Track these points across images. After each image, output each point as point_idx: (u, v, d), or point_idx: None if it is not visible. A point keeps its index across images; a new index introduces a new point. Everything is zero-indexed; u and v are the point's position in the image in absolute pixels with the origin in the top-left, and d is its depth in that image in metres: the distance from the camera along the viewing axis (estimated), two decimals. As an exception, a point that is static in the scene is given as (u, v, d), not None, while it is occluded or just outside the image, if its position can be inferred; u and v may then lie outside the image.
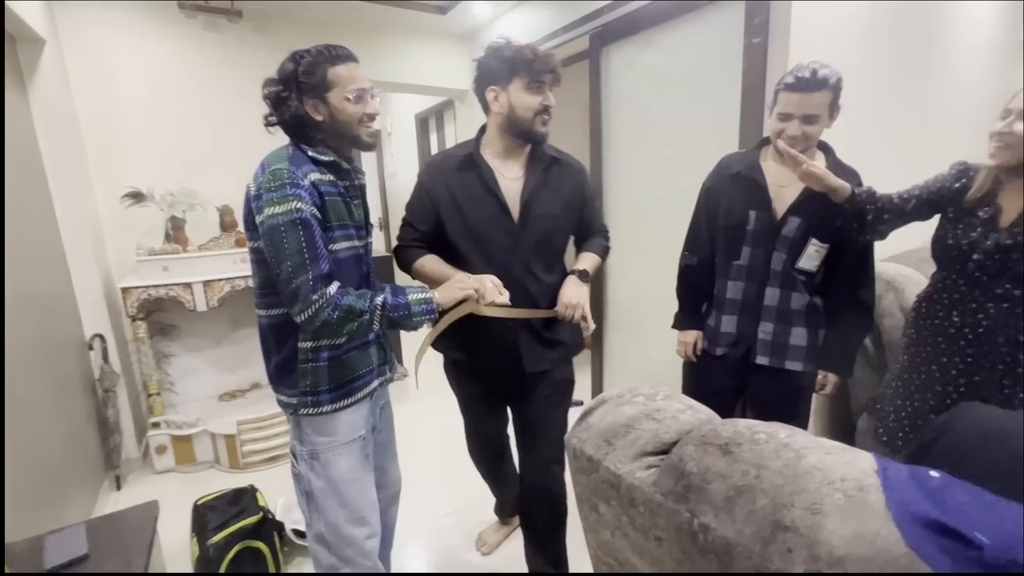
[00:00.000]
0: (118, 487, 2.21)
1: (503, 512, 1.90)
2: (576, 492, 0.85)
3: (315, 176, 1.04)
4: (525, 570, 1.60)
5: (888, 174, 1.50)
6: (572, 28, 2.30)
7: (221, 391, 2.68)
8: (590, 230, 1.49)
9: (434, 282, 1.27)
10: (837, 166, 1.34)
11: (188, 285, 2.25)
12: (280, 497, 2.01)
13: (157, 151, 2.42)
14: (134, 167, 2.36)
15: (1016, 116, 1.06)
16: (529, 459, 1.50)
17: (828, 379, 1.42)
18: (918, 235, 1.45)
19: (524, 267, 1.33)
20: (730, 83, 1.67)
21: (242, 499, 1.76)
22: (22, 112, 1.91)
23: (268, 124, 1.11)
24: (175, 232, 2.34)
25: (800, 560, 0.51)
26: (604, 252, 1.49)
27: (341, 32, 2.82)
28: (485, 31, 3.03)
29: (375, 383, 1.21)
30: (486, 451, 1.72)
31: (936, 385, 1.26)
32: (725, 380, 1.54)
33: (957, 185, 1.24)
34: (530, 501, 1.52)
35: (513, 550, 1.85)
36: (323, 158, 1.07)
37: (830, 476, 0.55)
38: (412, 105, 4.26)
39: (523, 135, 1.31)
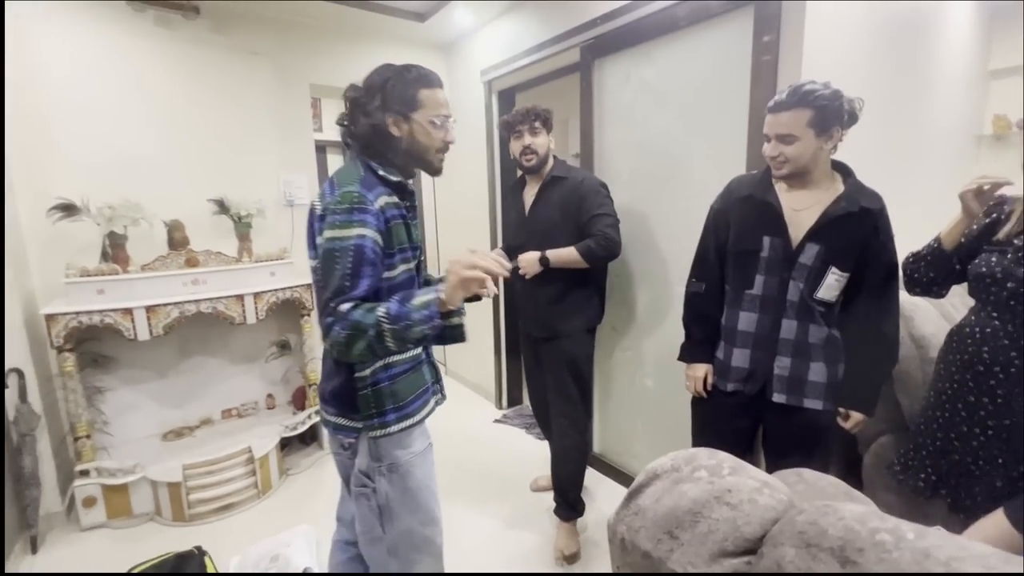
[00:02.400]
0: (34, 550, 1.87)
1: None
2: (620, 588, 0.68)
3: (385, 200, 1.04)
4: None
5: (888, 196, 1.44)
6: (561, 40, 2.19)
7: (165, 429, 2.36)
8: (586, 233, 1.75)
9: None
10: (858, 189, 1.25)
11: (128, 311, 1.96)
12: (234, 557, 1.75)
13: (94, 158, 2.13)
14: (66, 175, 2.06)
15: None
16: (553, 421, 1.91)
17: (852, 416, 1.32)
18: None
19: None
20: (736, 101, 1.58)
21: (186, 565, 1.50)
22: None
23: (346, 136, 1.11)
24: (114, 250, 2.05)
25: None
26: (584, 249, 1.72)
27: (309, 35, 2.62)
28: (466, 41, 2.89)
29: (432, 401, 1.22)
30: (536, 411, 2.13)
31: (962, 426, 1.18)
32: (738, 419, 1.42)
33: (988, 220, 1.18)
34: (553, 459, 1.91)
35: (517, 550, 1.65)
36: (392, 178, 1.08)
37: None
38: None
39: (520, 168, 1.88)
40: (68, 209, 1.96)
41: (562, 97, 2.83)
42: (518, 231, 1.92)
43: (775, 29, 1.46)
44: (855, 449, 1.80)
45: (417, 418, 1.15)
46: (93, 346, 2.15)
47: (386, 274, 1.05)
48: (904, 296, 1.70)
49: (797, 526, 0.55)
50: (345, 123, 1.11)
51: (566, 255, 1.74)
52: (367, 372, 1.08)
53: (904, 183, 1.91)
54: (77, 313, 1.89)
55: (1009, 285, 1.07)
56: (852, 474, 1.80)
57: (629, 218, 2.05)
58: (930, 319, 1.61)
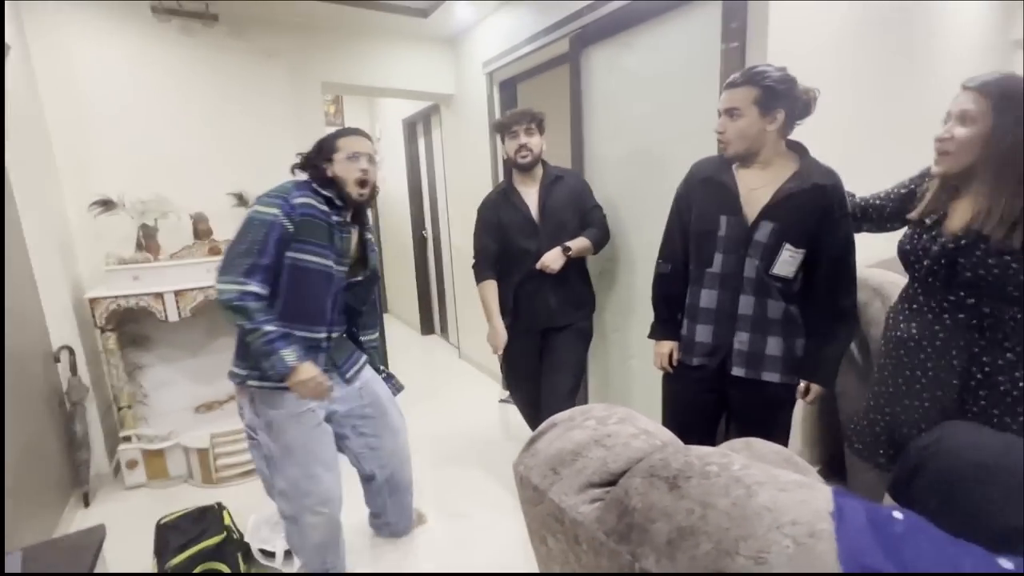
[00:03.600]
0: (86, 504, 2.14)
1: None
2: (527, 523, 0.79)
3: (303, 200, 1.40)
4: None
5: (870, 177, 1.45)
6: (553, 30, 2.25)
7: (197, 403, 2.61)
8: (588, 223, 1.94)
9: (483, 304, 1.98)
10: (811, 167, 1.29)
11: (159, 295, 2.18)
12: (252, 515, 1.94)
13: (129, 158, 2.36)
14: (106, 175, 2.30)
15: (955, 120, 1.01)
16: (548, 388, 1.93)
17: (812, 388, 1.37)
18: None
19: (545, 252, 1.86)
20: (709, 85, 1.61)
21: (206, 517, 1.70)
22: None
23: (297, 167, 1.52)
24: (147, 241, 2.28)
25: (740, 616, 0.46)
26: (594, 236, 1.92)
27: (321, 36, 2.77)
28: (468, 35, 2.98)
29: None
30: (526, 395, 2.10)
31: (903, 399, 1.22)
32: (703, 392, 1.49)
33: (916, 189, 1.21)
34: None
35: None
36: (323, 192, 1.45)
37: (780, 519, 0.49)
38: (399, 110, 4.22)
39: (516, 167, 1.92)
40: (106, 204, 2.20)
41: (561, 86, 2.88)
42: (529, 234, 1.90)
43: (742, 16, 1.49)
44: (838, 429, 1.82)
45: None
46: (132, 327, 2.40)
47: (295, 254, 1.39)
48: (883, 275, 1.71)
49: (651, 462, 0.64)
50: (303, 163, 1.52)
51: (582, 245, 1.89)
52: None
53: (900, 168, 1.89)
54: (116, 297, 2.12)
55: (925, 263, 1.10)
56: (836, 453, 1.83)
57: (615, 202, 2.11)
58: (906, 297, 1.61)
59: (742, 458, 0.62)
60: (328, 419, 1.56)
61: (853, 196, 1.40)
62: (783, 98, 1.23)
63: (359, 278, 1.59)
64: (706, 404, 1.50)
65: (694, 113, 1.71)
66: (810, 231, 1.29)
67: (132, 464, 2.25)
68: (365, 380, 1.66)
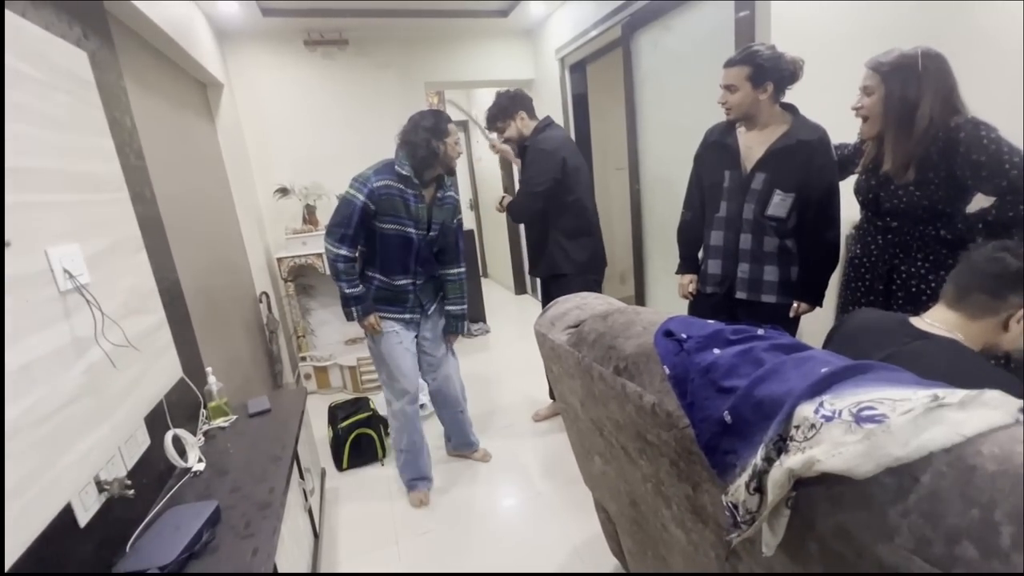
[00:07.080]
0: (281, 400, 3.10)
1: None
2: (543, 359, 1.31)
3: (382, 182, 1.73)
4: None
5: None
6: (609, 18, 2.61)
7: (346, 338, 3.49)
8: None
9: None
10: (800, 125, 1.57)
11: (319, 255, 3.02)
12: (382, 409, 2.71)
13: (296, 155, 3.23)
14: (282, 169, 3.19)
15: (862, 92, 1.27)
16: None
17: (801, 307, 1.67)
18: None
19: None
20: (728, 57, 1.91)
21: (359, 402, 2.47)
22: (213, 138, 2.78)
23: (400, 142, 1.80)
24: (309, 215, 3.13)
25: (612, 360, 0.93)
26: (509, 203, 2.21)
27: (424, 46, 3.40)
28: (542, 26, 3.41)
29: (406, 315, 1.93)
30: None
31: (850, 305, 1.53)
32: (717, 315, 1.84)
33: (862, 145, 1.47)
34: None
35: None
36: (403, 172, 1.74)
37: (645, 322, 0.96)
38: (491, 97, 4.77)
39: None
40: (283, 191, 3.07)
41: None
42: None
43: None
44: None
45: (386, 315, 1.89)
46: (303, 279, 3.31)
47: (378, 224, 1.76)
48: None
49: (598, 311, 1.12)
50: (405, 136, 1.77)
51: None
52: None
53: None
54: (292, 256, 3.00)
55: (861, 198, 1.38)
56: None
57: (661, 163, 2.46)
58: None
59: (652, 310, 1.07)
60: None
61: (848, 146, 1.65)
62: (771, 72, 1.53)
63: (423, 233, 1.83)
64: (720, 324, 1.87)
65: (715, 83, 2.01)
66: (797, 178, 1.58)
67: (307, 376, 3.16)
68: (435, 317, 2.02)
